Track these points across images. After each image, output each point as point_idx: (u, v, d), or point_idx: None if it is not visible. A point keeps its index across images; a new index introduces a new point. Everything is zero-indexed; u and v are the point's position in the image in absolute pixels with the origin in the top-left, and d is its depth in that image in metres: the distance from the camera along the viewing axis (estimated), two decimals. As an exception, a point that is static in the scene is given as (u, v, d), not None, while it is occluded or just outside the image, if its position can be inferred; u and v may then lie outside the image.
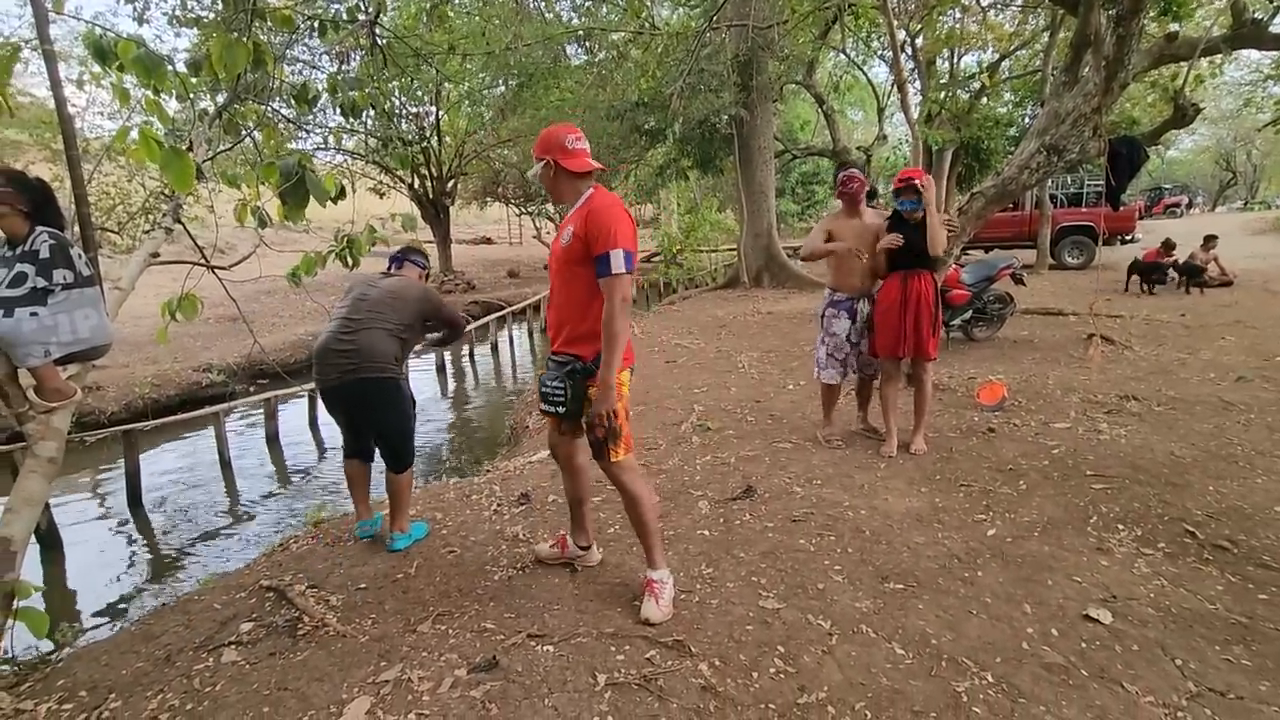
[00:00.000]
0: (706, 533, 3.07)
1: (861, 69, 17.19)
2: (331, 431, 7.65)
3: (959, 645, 2.21)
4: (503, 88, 13.86)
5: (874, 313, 3.91)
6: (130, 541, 5.32)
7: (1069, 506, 3.17)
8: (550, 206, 20.11)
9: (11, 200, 2.67)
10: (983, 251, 14.69)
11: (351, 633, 2.39)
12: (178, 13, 5.85)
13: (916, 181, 3.67)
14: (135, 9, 4.56)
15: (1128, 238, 14.27)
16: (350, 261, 3.98)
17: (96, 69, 3.45)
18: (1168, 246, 10.86)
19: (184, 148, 3.34)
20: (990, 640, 2.23)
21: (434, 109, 15.68)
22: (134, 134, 2.98)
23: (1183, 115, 5.11)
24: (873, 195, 4.01)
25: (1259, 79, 20.00)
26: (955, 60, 16.85)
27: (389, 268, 3.48)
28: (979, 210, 4.75)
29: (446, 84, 12.88)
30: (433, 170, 16.92)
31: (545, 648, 2.24)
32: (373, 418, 3.06)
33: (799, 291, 12.58)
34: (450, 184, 17.88)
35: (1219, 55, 6.25)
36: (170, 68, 3.42)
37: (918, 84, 14.67)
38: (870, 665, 2.12)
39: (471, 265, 20.41)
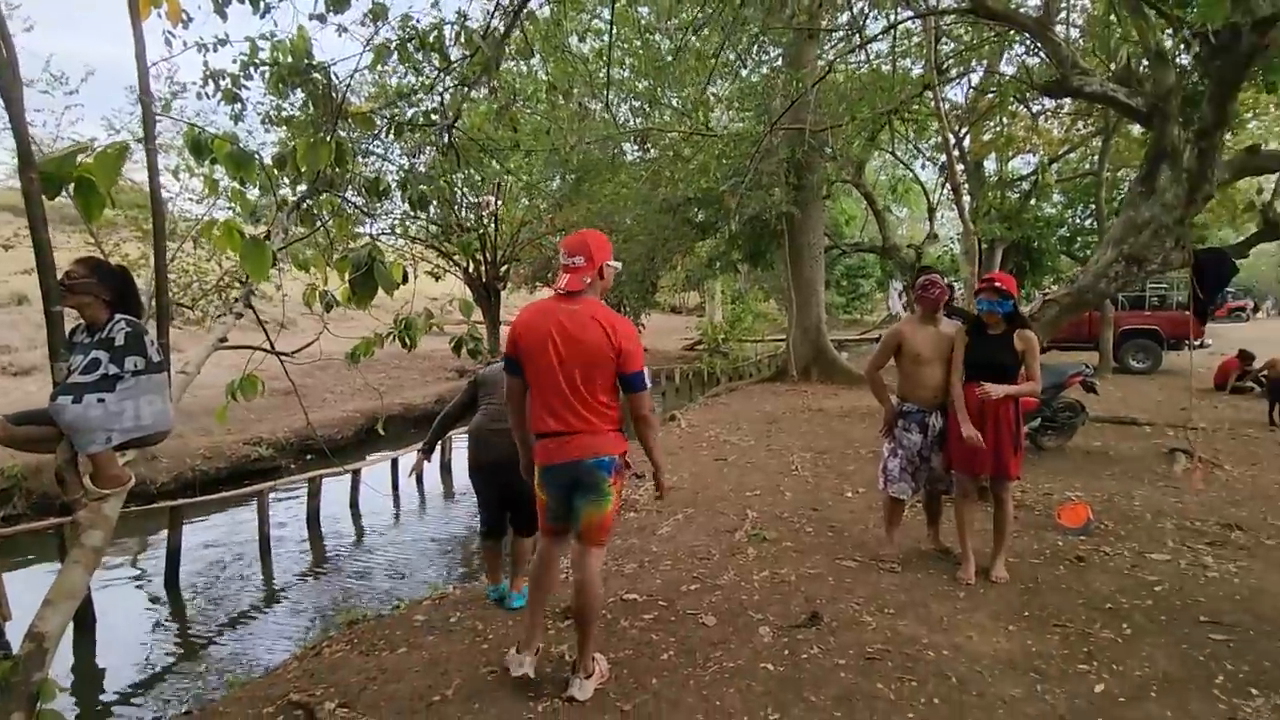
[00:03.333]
0: (770, 667, 2.78)
1: (909, 169, 17.51)
2: (371, 515, 7.56)
3: (1082, 841, 1.87)
4: (558, 181, 14.51)
5: (948, 426, 3.68)
6: (163, 624, 5.20)
7: (1186, 660, 2.78)
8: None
9: (95, 291, 2.74)
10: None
11: (382, 768, 2.17)
12: (271, 113, 6.28)
13: (998, 284, 3.52)
14: (233, 110, 4.85)
15: (1197, 344, 13.66)
16: (409, 343, 4.03)
17: (192, 161, 3.65)
18: (1245, 358, 10.34)
19: (263, 234, 3.45)
20: (1119, 837, 1.88)
21: (493, 199, 16.45)
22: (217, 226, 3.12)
23: (1274, 227, 4.89)
24: (951, 302, 3.85)
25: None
26: (1004, 162, 17.06)
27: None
28: (1053, 318, 4.55)
29: (508, 176, 13.53)
30: (487, 255, 17.55)
31: (595, 807, 1.98)
32: (520, 488, 3.39)
33: (848, 388, 12.28)
34: (504, 269, 18.48)
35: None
36: (258, 162, 3.60)
37: (966, 184, 14.78)
38: None
39: (518, 346, 20.75)
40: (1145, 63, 4.41)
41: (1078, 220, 18.42)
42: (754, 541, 4.31)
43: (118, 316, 2.77)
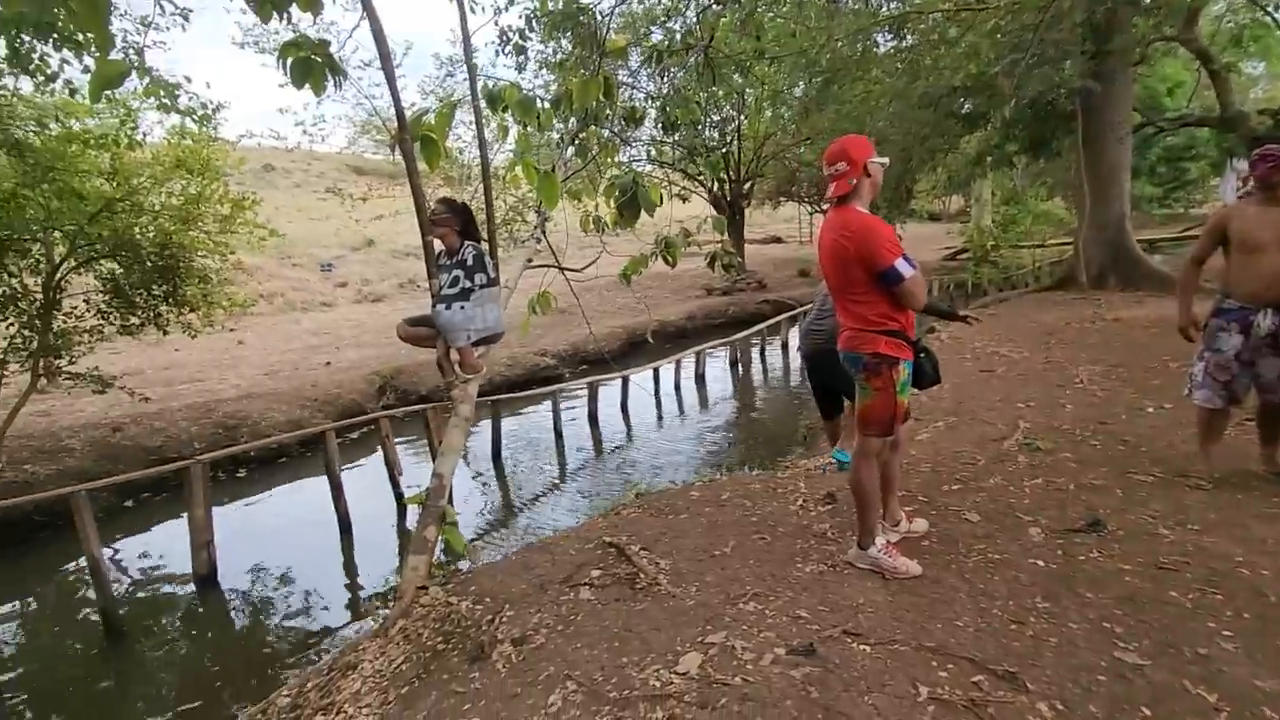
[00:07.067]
0: (1040, 563, 2.76)
1: (1268, 11, 13.31)
2: (637, 417, 8.57)
3: None
4: (803, 86, 13.85)
5: None
6: (491, 488, 6.68)
7: None
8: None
9: (450, 223, 3.56)
10: None
11: (680, 595, 2.71)
12: (548, 59, 7.08)
13: None
14: (518, 61, 5.61)
15: None
16: (671, 261, 4.47)
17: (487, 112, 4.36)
18: None
19: (550, 169, 4.07)
20: None
21: (737, 115, 16.35)
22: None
23: None
24: None
25: None
26: None
27: None
28: None
29: (748, 90, 13.32)
30: (731, 174, 17.67)
31: (862, 647, 2.27)
32: (834, 375, 4.09)
33: (1158, 295, 10.27)
34: (747, 185, 18.48)
35: None
36: (540, 105, 4.19)
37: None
38: (1280, 759, 1.73)
39: (762, 265, 20.83)
40: None
41: None
42: (1025, 450, 4.11)
43: (466, 243, 3.58)
